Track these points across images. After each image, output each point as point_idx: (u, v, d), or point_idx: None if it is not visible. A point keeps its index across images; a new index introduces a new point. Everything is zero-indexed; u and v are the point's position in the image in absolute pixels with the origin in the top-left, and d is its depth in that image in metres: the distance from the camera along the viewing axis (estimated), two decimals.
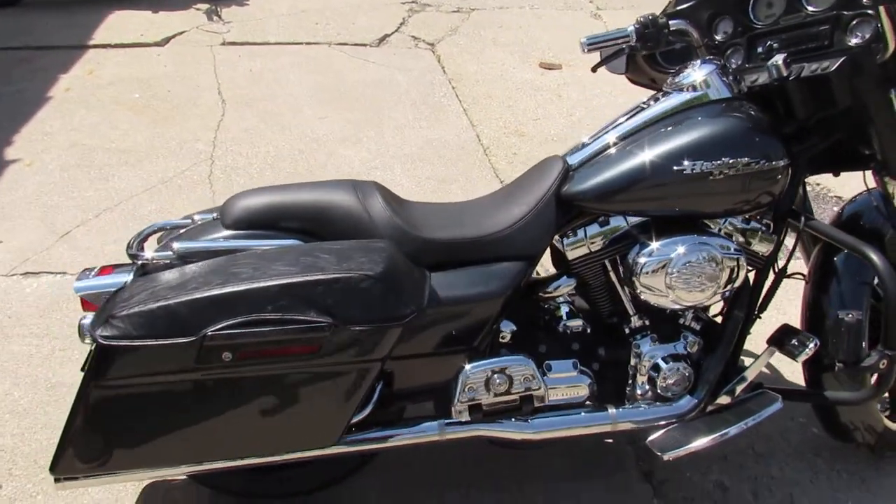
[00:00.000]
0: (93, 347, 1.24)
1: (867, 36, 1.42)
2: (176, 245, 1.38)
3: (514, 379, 1.48)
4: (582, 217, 1.55)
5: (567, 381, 1.55)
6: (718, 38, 1.68)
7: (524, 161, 3.34)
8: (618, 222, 1.54)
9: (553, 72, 4.40)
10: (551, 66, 4.46)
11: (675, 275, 1.48)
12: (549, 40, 4.87)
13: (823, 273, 1.69)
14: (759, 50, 1.61)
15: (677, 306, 1.54)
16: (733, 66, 1.64)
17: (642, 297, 1.52)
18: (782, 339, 1.58)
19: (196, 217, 1.58)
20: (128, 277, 1.42)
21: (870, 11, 1.41)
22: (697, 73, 1.56)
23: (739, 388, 1.62)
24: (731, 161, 1.44)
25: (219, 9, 5.13)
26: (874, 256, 1.44)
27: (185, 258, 1.37)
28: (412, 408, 1.53)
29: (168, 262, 1.39)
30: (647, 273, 1.49)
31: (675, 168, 1.45)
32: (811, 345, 1.52)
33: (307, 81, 4.08)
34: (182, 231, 1.51)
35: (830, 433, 1.80)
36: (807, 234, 1.76)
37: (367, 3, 5.39)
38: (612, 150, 1.54)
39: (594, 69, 1.80)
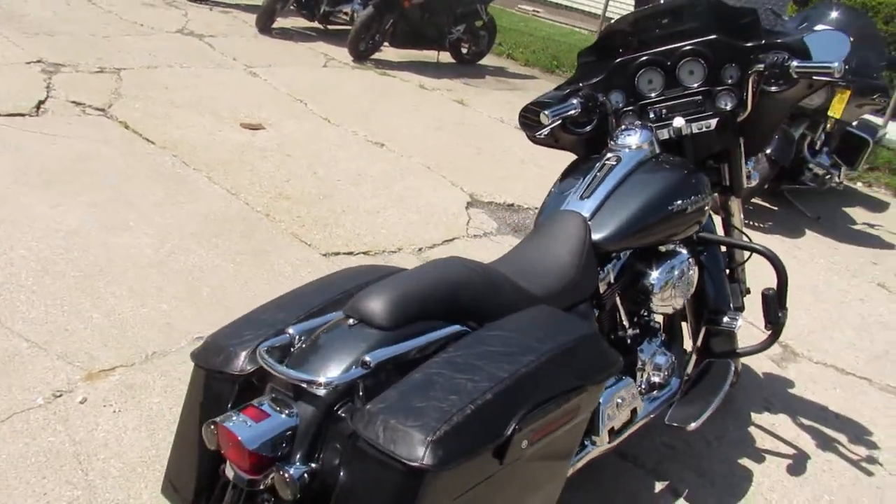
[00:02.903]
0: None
1: (730, 103, 2.09)
2: (369, 358, 1.27)
3: (625, 399, 1.75)
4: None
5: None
6: (618, 106, 2.18)
7: (315, 223, 3.38)
8: (624, 256, 1.93)
9: (260, 132, 4.40)
10: (254, 127, 4.46)
11: (677, 287, 1.94)
12: (227, 99, 4.82)
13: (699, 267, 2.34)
14: (652, 115, 2.16)
15: (672, 311, 2.00)
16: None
17: (658, 310, 1.95)
18: (716, 319, 2.18)
19: (291, 331, 1.42)
20: (285, 415, 1.26)
21: (730, 86, 2.08)
22: (638, 137, 2.03)
23: (691, 365, 2.17)
24: (695, 197, 1.96)
25: None
26: (763, 249, 2.13)
27: (379, 369, 1.29)
28: None
29: (357, 378, 1.27)
30: (659, 291, 1.92)
31: (668, 208, 1.90)
32: (740, 318, 2.15)
33: None
34: (305, 343, 1.36)
35: None
36: None
37: None
38: (614, 201, 1.90)
39: (540, 135, 2.10)
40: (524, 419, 1.21)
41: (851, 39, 2.07)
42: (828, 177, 4.70)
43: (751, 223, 4.34)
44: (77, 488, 1.78)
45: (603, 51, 2.20)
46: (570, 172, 2.12)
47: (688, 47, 2.09)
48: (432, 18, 6.61)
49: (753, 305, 2.29)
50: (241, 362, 1.37)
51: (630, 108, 2.18)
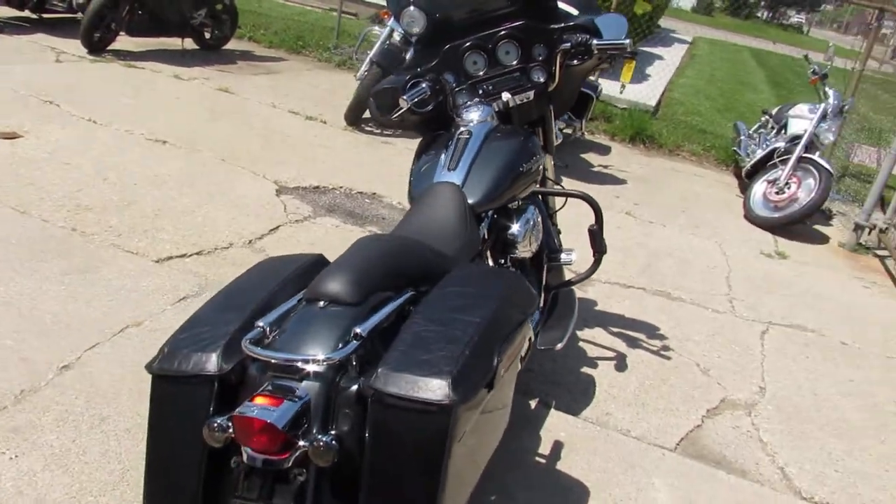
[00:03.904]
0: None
1: (542, 76, 2.50)
2: (359, 330, 1.43)
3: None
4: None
5: None
6: (452, 86, 2.47)
7: (132, 231, 3.21)
8: (490, 215, 2.25)
9: (18, 140, 3.95)
10: (8, 136, 3.98)
11: (533, 235, 2.32)
12: None
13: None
14: (481, 91, 2.49)
15: (530, 255, 2.37)
16: (461, 101, 2.48)
17: (519, 257, 2.30)
18: (556, 257, 2.61)
19: (261, 323, 1.52)
20: (295, 395, 1.39)
21: (540, 62, 2.48)
22: (480, 112, 2.35)
23: (543, 297, 2.59)
24: (536, 157, 2.34)
25: None
26: (582, 194, 2.59)
27: (367, 338, 1.45)
28: None
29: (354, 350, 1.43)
30: (522, 239, 2.28)
31: (520, 169, 2.25)
32: (574, 252, 2.60)
33: None
34: (280, 331, 1.47)
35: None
36: None
37: None
38: (478, 169, 2.20)
39: (396, 117, 2.32)
40: (500, 352, 1.48)
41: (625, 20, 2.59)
42: (569, 131, 5.51)
43: None
44: None
45: (433, 38, 2.47)
46: (425, 150, 2.37)
47: (503, 32, 2.45)
48: (173, 3, 6.29)
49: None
50: (218, 361, 1.43)
51: (462, 87, 2.48)
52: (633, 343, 3.10)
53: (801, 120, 5.28)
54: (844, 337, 3.55)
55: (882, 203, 5.09)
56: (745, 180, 5.51)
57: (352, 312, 1.50)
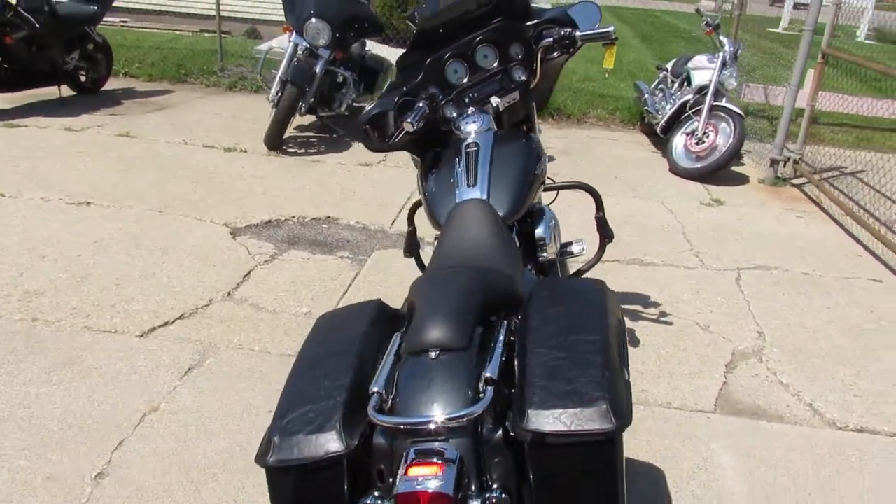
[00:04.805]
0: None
1: (524, 75, 2.49)
2: (489, 374, 1.39)
3: None
4: None
5: None
6: (439, 99, 2.42)
7: (98, 308, 2.95)
8: (516, 224, 2.23)
9: None
10: None
11: (557, 233, 2.33)
12: None
13: None
14: (467, 100, 2.46)
15: (555, 255, 2.38)
16: (455, 113, 2.43)
17: (548, 258, 2.30)
18: (568, 250, 2.62)
19: (375, 388, 1.44)
20: (447, 457, 1.33)
21: (519, 61, 2.48)
22: (480, 122, 2.31)
23: None
24: (542, 157, 2.33)
25: None
26: (582, 184, 2.62)
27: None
28: None
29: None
30: (550, 241, 2.27)
31: (535, 172, 2.24)
32: (583, 244, 2.63)
33: None
34: (397, 393, 1.40)
35: None
36: None
37: None
38: (497, 180, 2.17)
39: (395, 141, 2.24)
40: (626, 363, 1.48)
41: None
42: None
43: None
44: None
45: (415, 54, 2.40)
46: (432, 170, 2.31)
47: (479, 37, 2.42)
48: (42, 51, 5.78)
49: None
50: (342, 438, 1.35)
51: (449, 98, 2.44)
52: (633, 316, 3.19)
53: (703, 71, 5.56)
54: (803, 268, 3.81)
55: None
56: (661, 136, 5.75)
57: (466, 357, 1.44)
